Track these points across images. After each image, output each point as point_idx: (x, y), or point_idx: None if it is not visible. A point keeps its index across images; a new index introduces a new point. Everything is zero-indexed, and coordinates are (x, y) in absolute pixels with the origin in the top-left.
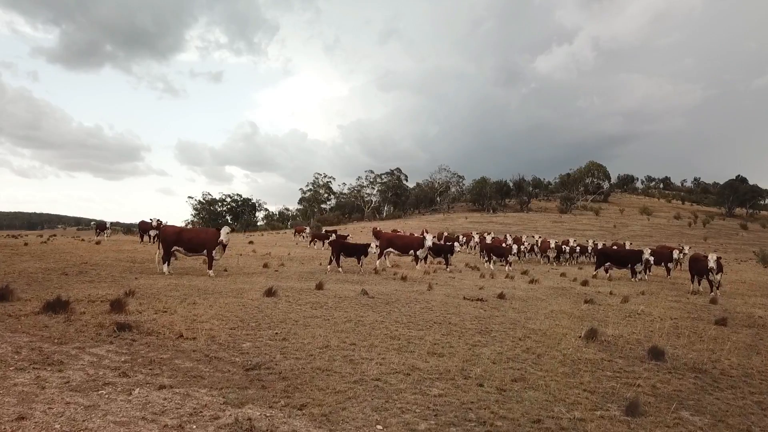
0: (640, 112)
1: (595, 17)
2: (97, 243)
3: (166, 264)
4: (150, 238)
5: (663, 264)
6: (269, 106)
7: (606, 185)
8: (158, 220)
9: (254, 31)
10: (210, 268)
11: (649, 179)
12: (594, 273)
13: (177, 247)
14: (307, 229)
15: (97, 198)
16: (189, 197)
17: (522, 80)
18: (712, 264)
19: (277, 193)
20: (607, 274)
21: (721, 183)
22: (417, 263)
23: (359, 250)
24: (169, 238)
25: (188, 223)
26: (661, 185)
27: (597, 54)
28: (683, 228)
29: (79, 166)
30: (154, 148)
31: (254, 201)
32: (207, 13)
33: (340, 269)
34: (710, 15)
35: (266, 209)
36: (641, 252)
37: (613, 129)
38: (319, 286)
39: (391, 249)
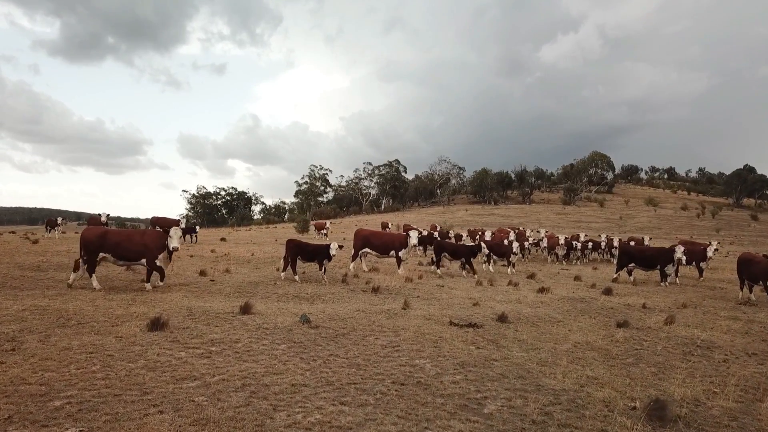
0: (645, 102)
1: (602, 4)
2: (34, 242)
3: (93, 277)
4: None
5: (694, 263)
6: (271, 98)
7: (610, 176)
8: (107, 214)
9: (257, 22)
10: (148, 280)
11: (654, 169)
12: (615, 276)
13: (104, 254)
14: (328, 224)
15: (99, 192)
16: (183, 191)
17: (526, 70)
18: None
19: (278, 186)
20: (631, 278)
21: (727, 173)
22: (399, 267)
23: (320, 253)
24: (91, 244)
25: (183, 217)
26: (666, 175)
27: (603, 42)
28: (692, 219)
29: (80, 161)
30: (156, 142)
31: (250, 194)
32: (208, 2)
33: (296, 277)
34: (718, 1)
35: (263, 203)
36: (672, 251)
37: (617, 119)
38: (245, 309)
39: (367, 249)
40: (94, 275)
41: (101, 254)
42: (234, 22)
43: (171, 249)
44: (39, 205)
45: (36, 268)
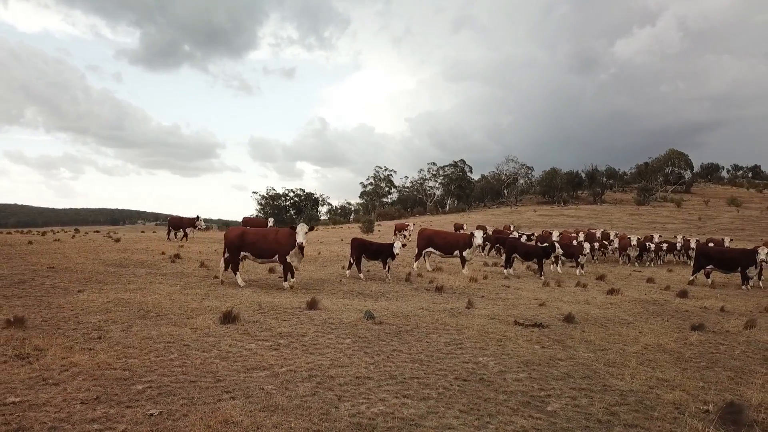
0: (729, 97)
1: None
2: (116, 241)
3: (238, 274)
4: (184, 236)
5: None
6: (338, 100)
7: (688, 175)
8: (202, 218)
9: (325, 26)
10: (285, 278)
11: (736, 168)
12: (691, 278)
13: (245, 252)
14: (411, 226)
15: (175, 195)
16: (253, 192)
17: (600, 66)
18: None
19: (345, 187)
20: (709, 280)
21: None
22: (464, 266)
23: (385, 252)
24: (233, 243)
25: (256, 216)
26: (750, 174)
27: (683, 35)
28: None
29: (158, 164)
30: (229, 145)
31: (317, 195)
32: (278, 8)
33: (361, 275)
34: None
35: (329, 204)
36: (755, 252)
37: (698, 115)
38: (312, 304)
39: (431, 249)
40: (238, 273)
41: (242, 253)
42: (303, 27)
43: (298, 243)
44: (120, 207)
45: (118, 264)
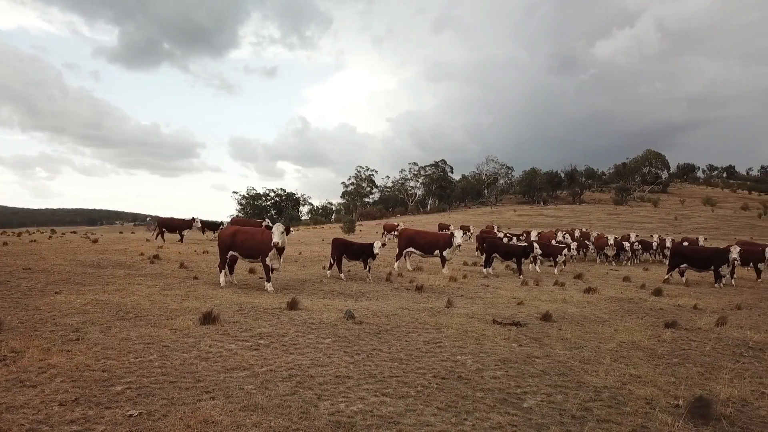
0: (705, 98)
1: None
2: (94, 241)
3: (222, 273)
4: (180, 237)
5: (751, 265)
6: (320, 100)
7: (665, 175)
8: (194, 218)
9: (307, 25)
10: (268, 279)
11: (711, 168)
12: (666, 277)
13: (233, 252)
14: (401, 226)
15: (155, 194)
16: (234, 192)
17: (580, 67)
18: None
19: (326, 187)
20: (683, 279)
21: None
22: (443, 266)
23: (365, 252)
24: (225, 242)
25: (235, 213)
26: (725, 174)
27: (661, 36)
28: (753, 219)
29: (137, 164)
30: (209, 145)
31: (298, 195)
32: (259, 7)
33: (341, 275)
34: None
35: (310, 204)
36: (727, 251)
37: (675, 116)
38: (292, 305)
39: (411, 249)
40: (223, 272)
41: (231, 252)
42: (285, 26)
43: (273, 243)
44: (98, 207)
45: (96, 265)
